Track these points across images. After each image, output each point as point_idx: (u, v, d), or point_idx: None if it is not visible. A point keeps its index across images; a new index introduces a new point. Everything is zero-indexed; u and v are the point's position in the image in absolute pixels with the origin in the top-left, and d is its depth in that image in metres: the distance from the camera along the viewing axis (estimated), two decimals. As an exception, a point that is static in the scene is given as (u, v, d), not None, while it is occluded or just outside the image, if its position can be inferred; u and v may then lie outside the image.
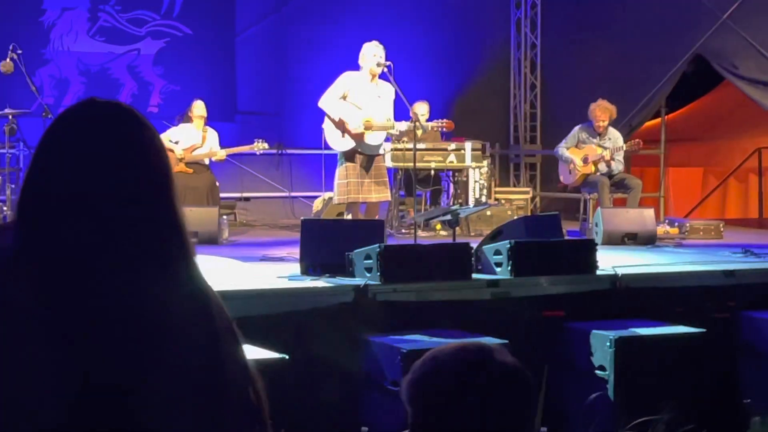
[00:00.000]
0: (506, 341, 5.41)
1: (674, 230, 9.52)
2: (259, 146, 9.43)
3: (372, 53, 8.04)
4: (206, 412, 1.61)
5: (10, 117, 8.34)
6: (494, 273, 6.58)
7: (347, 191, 8.27)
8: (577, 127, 9.73)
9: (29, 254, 1.61)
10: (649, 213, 9.13)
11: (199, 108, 9.43)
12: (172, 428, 1.57)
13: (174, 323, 1.61)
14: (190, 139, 9.38)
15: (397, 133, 8.75)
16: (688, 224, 9.77)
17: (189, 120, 9.38)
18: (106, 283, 1.59)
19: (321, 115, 8.34)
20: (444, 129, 9.30)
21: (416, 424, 1.80)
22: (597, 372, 6.09)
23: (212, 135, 9.45)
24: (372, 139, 8.30)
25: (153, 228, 1.65)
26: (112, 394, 1.54)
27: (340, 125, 8.26)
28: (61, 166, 1.64)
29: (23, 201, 1.66)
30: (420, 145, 9.19)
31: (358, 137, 8.22)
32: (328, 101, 8.16)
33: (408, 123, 8.50)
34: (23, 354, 1.56)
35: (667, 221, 9.94)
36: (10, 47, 8.13)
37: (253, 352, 4.93)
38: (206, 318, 1.65)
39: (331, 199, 8.96)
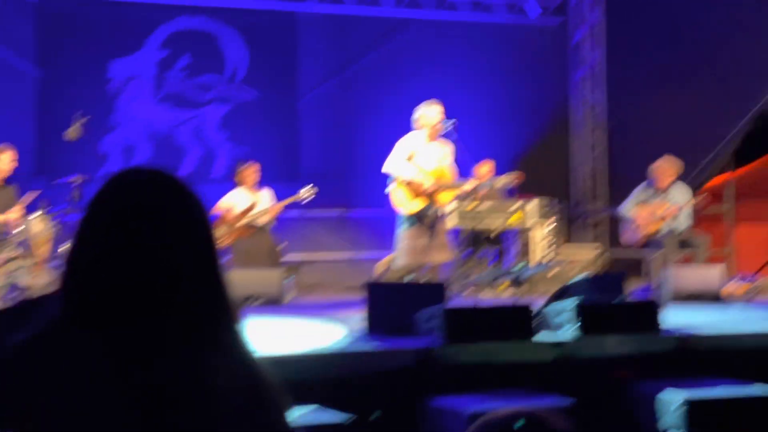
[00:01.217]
0: (573, 400, 5.34)
1: (744, 287, 9.11)
2: (306, 192, 9.39)
3: (436, 111, 8.07)
4: None
5: (77, 183, 8.43)
6: (560, 332, 6.39)
7: (413, 253, 8.22)
8: (638, 187, 9.67)
9: (75, 328, 1.60)
10: (717, 270, 8.87)
11: (250, 171, 9.54)
12: None
13: (219, 393, 1.60)
14: (244, 202, 9.44)
15: (467, 191, 8.60)
16: (758, 281, 9.38)
17: (242, 183, 9.50)
18: (152, 355, 1.59)
19: (384, 175, 8.32)
20: (514, 184, 9.29)
21: None
22: (668, 434, 5.76)
23: (266, 195, 9.47)
24: (440, 199, 8.26)
25: (196, 297, 1.64)
26: None
27: (410, 187, 8.21)
28: (101, 235, 1.64)
29: (68, 275, 1.66)
30: (485, 204, 9.05)
31: (427, 199, 8.20)
32: (394, 164, 8.13)
33: (475, 180, 8.47)
34: (55, 418, 1.54)
35: (735, 278, 9.56)
36: (77, 114, 8.20)
37: (317, 413, 5.00)
38: (250, 386, 1.64)
39: (394, 260, 8.79)
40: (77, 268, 1.61)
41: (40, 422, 1.54)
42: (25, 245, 8.07)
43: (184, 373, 1.58)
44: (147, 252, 1.59)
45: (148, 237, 1.60)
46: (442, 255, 8.40)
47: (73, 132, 8.12)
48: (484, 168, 9.46)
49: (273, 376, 1.69)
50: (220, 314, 1.64)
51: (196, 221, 1.67)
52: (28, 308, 1.69)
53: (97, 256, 1.61)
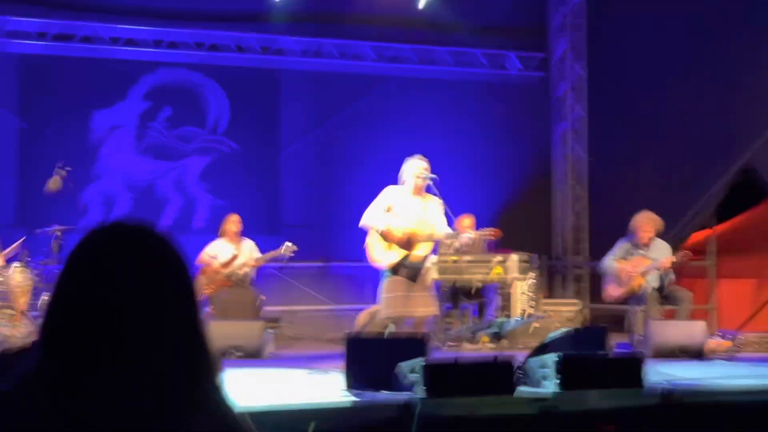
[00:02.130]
0: None
1: (726, 343, 9.06)
2: (287, 249, 9.25)
3: (417, 166, 8.01)
4: None
5: (58, 234, 8.33)
6: (541, 386, 6.38)
7: (394, 305, 8.13)
8: (619, 242, 9.61)
9: (53, 382, 1.59)
10: (700, 325, 8.85)
11: (232, 223, 9.46)
12: None
13: None
14: (225, 253, 9.37)
15: (443, 241, 8.57)
16: (741, 337, 9.37)
17: (224, 234, 9.42)
18: (130, 405, 1.56)
19: (363, 229, 8.27)
20: (491, 238, 9.10)
21: None
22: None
23: (248, 246, 9.42)
24: (418, 251, 8.13)
25: (176, 351, 1.63)
26: None
27: (387, 237, 8.14)
28: (83, 292, 1.63)
29: (46, 328, 1.64)
30: (466, 258, 9.09)
31: (404, 249, 8.09)
32: (370, 217, 8.04)
33: (453, 232, 8.36)
34: None
35: (718, 334, 9.52)
36: (58, 165, 8.23)
37: None
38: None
39: (377, 312, 8.65)
40: (55, 320, 1.60)
41: None
42: (4, 296, 8.00)
43: (161, 429, 1.54)
44: (126, 306, 1.58)
45: (128, 291, 1.59)
46: (425, 309, 8.31)
47: (53, 184, 8.15)
48: (466, 221, 9.34)
49: (252, 430, 1.67)
50: (200, 368, 1.62)
51: (177, 274, 1.66)
52: (4, 361, 1.66)
53: (75, 309, 1.59)
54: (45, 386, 1.55)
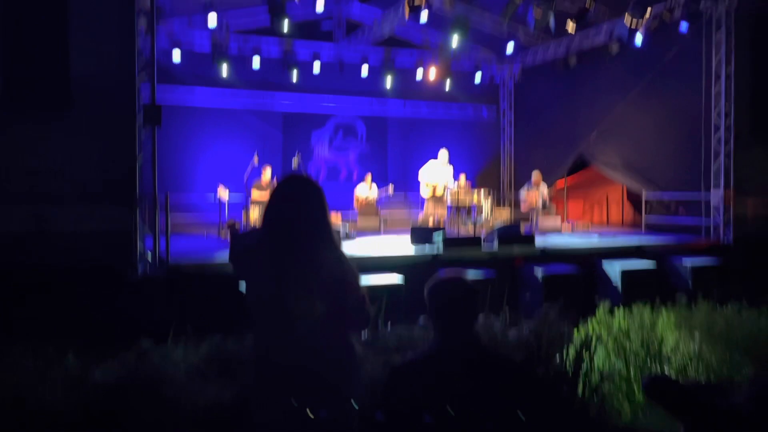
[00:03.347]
0: (494, 273, 5.93)
1: (569, 227, 10.77)
2: (390, 189, 10.50)
3: (443, 152, 9.84)
4: (339, 299, 1.93)
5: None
6: (493, 247, 7.39)
7: (430, 212, 9.78)
8: (525, 185, 11.31)
9: (267, 239, 1.97)
10: (559, 219, 10.71)
11: (368, 179, 10.49)
12: (324, 300, 1.90)
13: (326, 264, 1.95)
14: (365, 191, 10.39)
15: (455, 188, 9.78)
16: (576, 224, 11.02)
17: (365, 182, 10.54)
18: (299, 250, 1.91)
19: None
20: (468, 186, 10.56)
21: (428, 310, 1.95)
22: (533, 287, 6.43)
23: (374, 188, 10.49)
24: (439, 190, 9.78)
25: (319, 227, 1.98)
26: (296, 291, 1.84)
27: (426, 185, 9.73)
28: (277, 201, 1.98)
29: (264, 217, 2.01)
30: (462, 192, 10.08)
31: (433, 187, 9.71)
32: (422, 174, 9.69)
33: (458, 183, 9.94)
34: (258, 275, 1.94)
35: (567, 222, 11.00)
36: (297, 153, 9.50)
37: (383, 277, 5.53)
38: (341, 267, 1.97)
39: (423, 214, 10.16)
40: (267, 216, 1.95)
41: (244, 272, 1.99)
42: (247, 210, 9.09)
43: (311, 257, 1.91)
44: (297, 208, 1.97)
45: (299, 201, 1.97)
46: (443, 213, 9.81)
47: (295, 162, 9.24)
48: (462, 178, 10.72)
49: (352, 267, 1.99)
50: (329, 238, 2.01)
51: (318, 193, 2.02)
52: (253, 231, 2.26)
53: (276, 210, 1.95)
54: (262, 241, 1.93)
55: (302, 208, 1.98)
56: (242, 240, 2.07)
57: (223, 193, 9.81)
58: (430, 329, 1.80)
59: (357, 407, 1.87)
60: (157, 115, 6.15)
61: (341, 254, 2.05)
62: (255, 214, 9.09)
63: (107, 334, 4.04)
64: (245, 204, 9.57)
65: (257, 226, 2.19)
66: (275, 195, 2.08)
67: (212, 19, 10.28)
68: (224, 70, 10.99)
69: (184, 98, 11.23)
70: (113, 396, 2.79)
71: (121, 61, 6.15)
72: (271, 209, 2.05)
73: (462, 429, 1.58)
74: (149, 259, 6.24)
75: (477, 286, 1.95)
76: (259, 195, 9.70)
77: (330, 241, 2.03)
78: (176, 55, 10.88)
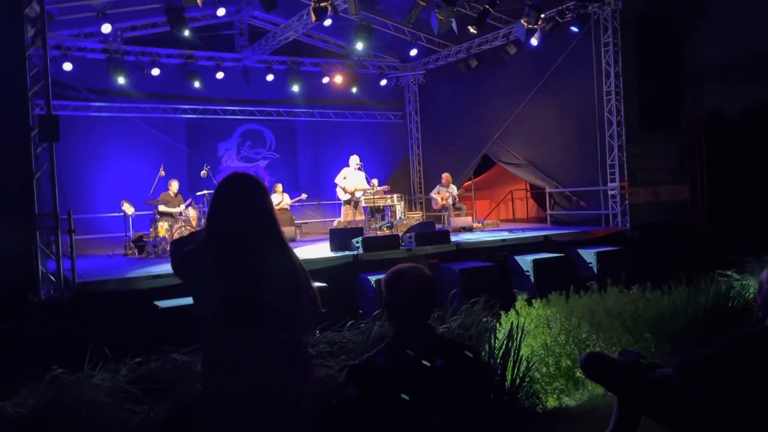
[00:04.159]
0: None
1: (479, 225, 11.21)
2: (303, 196, 10.94)
3: (354, 159, 10.12)
4: (291, 299, 1.91)
5: (206, 194, 9.56)
6: (409, 245, 7.57)
7: (347, 217, 10.00)
8: (436, 187, 11.45)
9: (213, 242, 1.87)
10: (469, 218, 10.82)
11: (279, 186, 10.46)
12: (278, 303, 1.85)
13: (278, 269, 1.89)
14: (276, 200, 10.31)
15: (368, 191, 10.03)
16: (486, 222, 11.73)
17: (275, 192, 10.43)
18: (248, 252, 1.84)
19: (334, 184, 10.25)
20: (387, 189, 10.76)
21: (386, 303, 1.88)
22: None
23: (285, 196, 10.67)
24: (357, 194, 10.07)
25: (267, 227, 1.93)
26: (247, 300, 1.77)
27: (344, 189, 9.99)
28: (222, 201, 1.93)
29: (208, 219, 1.96)
30: (376, 197, 10.38)
31: (351, 194, 10.02)
32: (339, 179, 10.01)
33: (369, 187, 10.14)
34: (206, 281, 1.85)
35: (477, 221, 11.45)
36: (206, 165, 9.83)
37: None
38: (293, 267, 1.95)
39: (340, 220, 10.42)
40: (210, 216, 1.91)
41: (191, 279, 1.89)
42: (186, 220, 9.38)
43: (262, 262, 1.85)
44: (245, 208, 1.88)
45: (246, 201, 1.89)
46: (360, 218, 10.11)
47: (204, 173, 9.70)
48: (374, 181, 10.98)
49: (302, 265, 1.97)
50: (278, 237, 1.97)
51: (263, 190, 1.98)
52: (191, 236, 2.08)
53: (218, 208, 1.92)
54: (207, 247, 1.87)
55: (248, 208, 1.91)
56: (183, 246, 1.96)
57: (128, 208, 9.68)
58: (387, 321, 1.83)
59: (312, 410, 1.84)
60: (54, 127, 5.87)
61: (291, 253, 2.02)
62: (164, 228, 9.03)
63: (14, 364, 3.76)
64: (153, 217, 9.43)
65: (199, 230, 2.12)
66: (219, 195, 2.00)
67: (106, 29, 9.99)
68: (121, 80, 10.97)
69: (79, 110, 10.91)
70: (33, 428, 2.57)
71: (11, 72, 5.88)
72: (215, 211, 1.98)
73: (424, 418, 1.58)
74: (53, 280, 5.95)
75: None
76: (167, 208, 9.66)
77: (279, 240, 1.99)
78: (67, 66, 10.47)
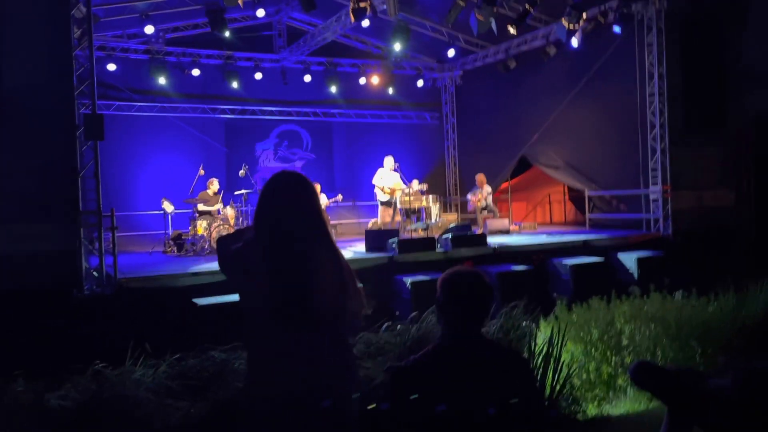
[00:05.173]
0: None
1: (516, 227, 11.14)
2: (339, 197, 10.51)
3: (389, 159, 9.96)
4: (338, 299, 1.94)
5: (244, 193, 9.70)
6: (447, 247, 7.56)
7: (384, 218, 9.88)
8: (473, 188, 11.52)
9: (262, 241, 1.89)
10: (506, 220, 10.81)
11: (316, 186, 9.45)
12: (325, 302, 1.87)
13: (326, 269, 1.93)
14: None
15: (406, 191, 9.72)
16: (522, 225, 11.53)
17: None
18: (296, 250, 1.86)
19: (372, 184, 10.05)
20: (424, 189, 10.57)
21: (439, 303, 1.85)
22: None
23: (323, 196, 9.92)
24: (395, 195, 9.87)
25: (315, 225, 1.95)
26: (296, 299, 1.80)
27: (382, 189, 9.86)
28: (271, 200, 1.94)
29: (256, 217, 1.94)
30: (413, 197, 10.02)
31: (389, 194, 9.88)
32: (376, 179, 9.90)
33: (406, 188, 9.75)
34: (254, 279, 1.87)
35: (514, 224, 11.31)
36: (244, 165, 9.90)
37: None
38: (340, 267, 1.97)
39: (376, 221, 10.31)
40: (258, 215, 1.90)
41: (239, 278, 1.91)
42: (225, 219, 9.45)
43: (311, 261, 1.89)
44: (294, 208, 1.91)
45: (295, 200, 1.91)
46: (397, 219, 9.88)
47: (242, 173, 9.76)
48: (415, 182, 10.63)
49: (349, 266, 2.03)
50: (326, 237, 2.00)
51: (311, 188, 1.99)
52: (238, 233, 2.06)
53: (270, 209, 1.91)
54: (256, 244, 1.84)
55: (296, 206, 1.92)
56: (230, 244, 1.95)
57: (168, 206, 9.81)
58: (438, 322, 1.76)
59: (358, 411, 1.82)
60: (99, 126, 6.01)
61: (338, 253, 2.01)
62: (202, 226, 9.14)
63: (58, 358, 3.84)
64: (192, 216, 9.56)
65: (246, 227, 2.11)
66: (266, 194, 2.01)
67: (149, 30, 10.16)
68: (162, 80, 11.17)
69: (121, 110, 11.09)
70: (77, 420, 2.59)
71: (58, 71, 5.98)
72: (262, 209, 1.98)
73: (472, 423, 1.56)
74: (96, 276, 6.06)
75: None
76: (205, 207, 9.73)
77: (327, 240, 1.98)
78: (111, 66, 10.69)
